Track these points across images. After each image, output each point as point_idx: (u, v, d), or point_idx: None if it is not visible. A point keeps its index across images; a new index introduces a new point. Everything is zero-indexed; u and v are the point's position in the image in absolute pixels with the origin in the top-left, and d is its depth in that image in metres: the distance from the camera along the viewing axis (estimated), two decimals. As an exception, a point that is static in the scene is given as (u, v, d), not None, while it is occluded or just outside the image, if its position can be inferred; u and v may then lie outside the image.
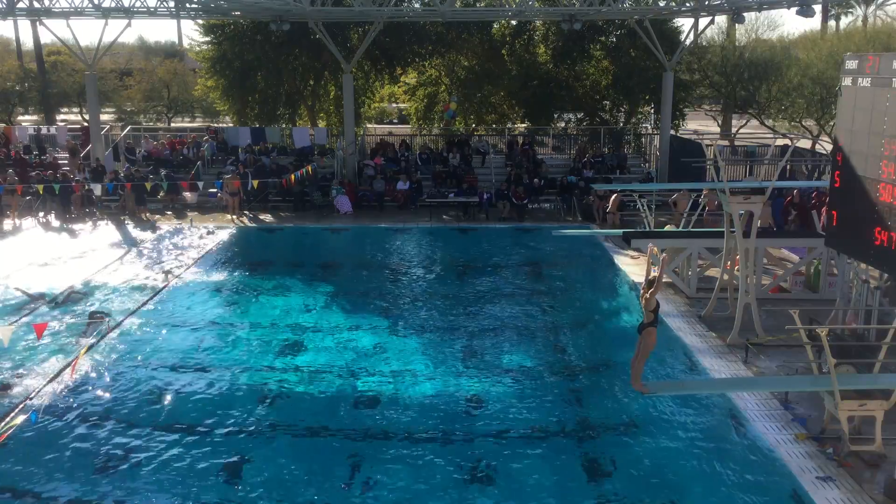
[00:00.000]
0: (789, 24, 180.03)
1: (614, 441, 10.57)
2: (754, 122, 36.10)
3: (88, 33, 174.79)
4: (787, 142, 21.71)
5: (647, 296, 8.86)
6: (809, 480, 8.95)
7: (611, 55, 31.20)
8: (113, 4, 23.86)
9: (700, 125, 39.65)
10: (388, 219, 24.04)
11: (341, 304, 16.69)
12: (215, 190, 25.03)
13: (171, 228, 22.91)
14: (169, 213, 24.57)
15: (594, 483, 9.56)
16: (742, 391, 11.26)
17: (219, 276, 18.64)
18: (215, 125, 35.40)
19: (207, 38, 30.88)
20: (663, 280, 9.85)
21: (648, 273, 9.30)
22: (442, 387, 12.21)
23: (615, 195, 22.37)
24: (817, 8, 24.84)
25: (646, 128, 32.93)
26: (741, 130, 36.96)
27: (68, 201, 23.83)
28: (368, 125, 36.24)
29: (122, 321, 14.92)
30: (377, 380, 12.50)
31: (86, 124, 33.26)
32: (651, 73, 29.00)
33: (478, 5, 30.53)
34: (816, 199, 18.30)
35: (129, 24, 25.40)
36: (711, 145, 22.31)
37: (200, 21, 29.85)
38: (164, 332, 14.68)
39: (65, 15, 25.05)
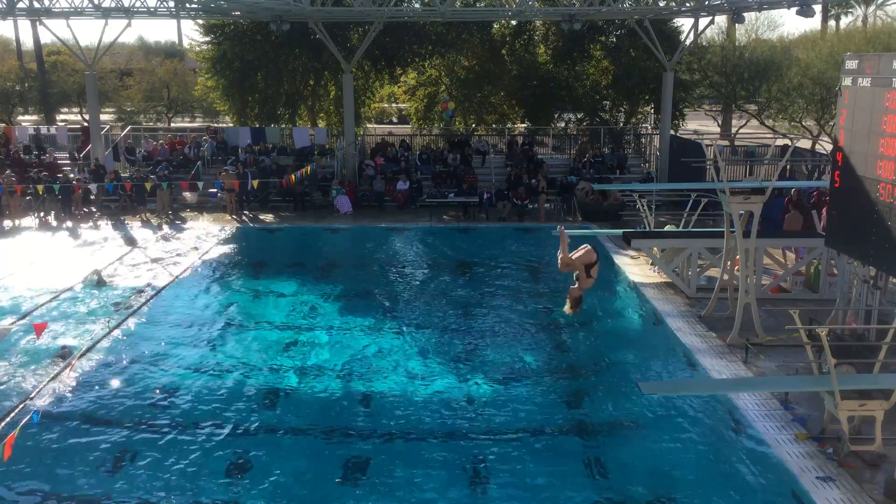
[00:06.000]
0: (789, 24, 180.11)
1: (614, 440, 10.57)
2: (754, 122, 36.10)
3: (88, 33, 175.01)
4: (787, 142, 21.71)
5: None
6: (809, 480, 8.95)
7: (611, 55, 31.20)
8: (113, 4, 23.86)
9: (700, 125, 39.68)
10: (388, 219, 24.03)
11: (341, 304, 16.67)
12: (215, 190, 25.03)
13: (170, 228, 22.91)
14: (169, 213, 24.53)
15: (594, 482, 9.56)
16: (742, 392, 11.26)
17: (219, 276, 18.64)
18: (215, 125, 35.39)
19: (207, 38, 30.88)
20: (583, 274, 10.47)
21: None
22: (441, 386, 12.21)
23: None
24: (817, 8, 24.84)
25: (646, 128, 32.93)
26: (741, 130, 36.96)
27: (68, 201, 23.84)
28: (368, 125, 36.24)
29: (123, 321, 14.93)
30: (377, 379, 12.50)
31: (86, 124, 33.24)
32: (651, 73, 29.01)
33: (478, 5, 30.53)
34: (816, 199, 18.30)
35: (129, 24, 25.37)
36: (711, 145, 22.30)
37: (200, 21, 29.85)
38: (163, 331, 14.68)
39: (65, 15, 25.03)
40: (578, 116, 33.84)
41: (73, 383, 12.15)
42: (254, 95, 31.39)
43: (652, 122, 32.80)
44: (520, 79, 31.32)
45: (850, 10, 53.60)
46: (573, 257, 10.29)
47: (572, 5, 24.56)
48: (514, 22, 30.94)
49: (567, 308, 10.51)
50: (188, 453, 10.14)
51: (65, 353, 13.11)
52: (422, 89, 33.46)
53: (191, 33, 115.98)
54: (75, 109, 45.16)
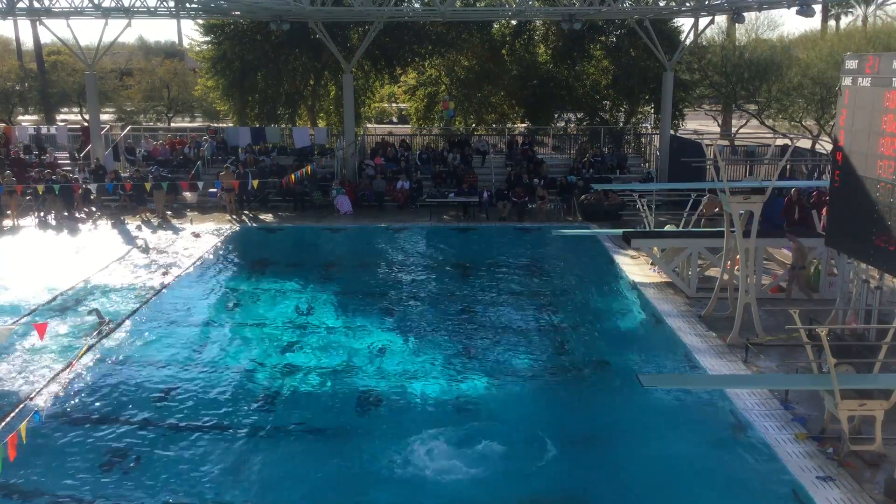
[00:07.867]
0: (789, 24, 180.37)
1: (613, 441, 10.56)
2: (754, 122, 36.10)
3: (88, 33, 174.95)
4: (787, 142, 21.73)
5: None
6: (809, 480, 8.96)
7: (611, 55, 31.22)
8: (113, 4, 23.86)
9: (700, 125, 39.69)
10: (388, 219, 24.03)
11: (341, 303, 16.68)
12: (215, 190, 25.04)
13: (170, 228, 22.91)
14: (169, 213, 24.55)
15: (593, 482, 9.56)
16: (741, 388, 11.26)
17: (218, 276, 18.66)
18: (215, 125, 35.38)
19: (207, 38, 30.89)
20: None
21: None
22: (441, 386, 12.21)
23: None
24: (817, 8, 24.86)
25: (646, 128, 32.94)
26: (741, 130, 36.96)
27: (69, 201, 23.84)
28: (368, 125, 36.24)
29: (123, 321, 14.94)
30: (377, 380, 12.50)
31: (86, 124, 33.24)
32: (651, 73, 29.02)
33: (478, 5, 30.53)
34: (817, 199, 18.28)
35: (129, 24, 25.41)
36: (711, 145, 22.33)
37: (200, 21, 29.85)
38: (164, 331, 14.68)
39: (65, 15, 25.04)
40: (578, 116, 33.86)
41: (74, 383, 12.15)
42: (254, 95, 31.39)
43: (652, 122, 32.80)
44: (520, 79, 31.33)
45: (850, 10, 53.62)
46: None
47: (572, 5, 24.55)
48: (514, 22, 30.95)
49: None
50: (189, 453, 10.14)
51: (97, 317, 14.48)
52: (422, 89, 33.45)
53: (191, 33, 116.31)
54: (75, 109, 45.15)
